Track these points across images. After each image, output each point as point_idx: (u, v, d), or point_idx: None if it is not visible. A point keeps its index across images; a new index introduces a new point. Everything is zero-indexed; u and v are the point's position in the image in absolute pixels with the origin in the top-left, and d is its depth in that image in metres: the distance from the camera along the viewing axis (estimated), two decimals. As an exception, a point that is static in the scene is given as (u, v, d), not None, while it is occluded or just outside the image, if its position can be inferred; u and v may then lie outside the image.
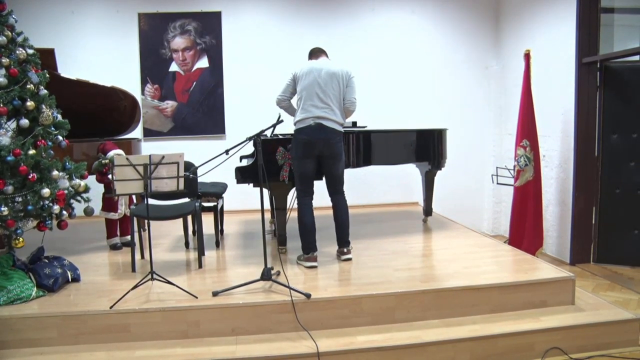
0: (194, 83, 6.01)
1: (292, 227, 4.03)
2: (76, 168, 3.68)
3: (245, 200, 5.66)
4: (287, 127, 4.23)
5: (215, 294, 3.17)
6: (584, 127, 4.88)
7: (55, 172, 3.46)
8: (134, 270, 3.73)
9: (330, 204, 3.92)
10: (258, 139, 3.32)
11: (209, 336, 3.02)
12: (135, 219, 4.00)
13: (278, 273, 3.48)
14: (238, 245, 4.46)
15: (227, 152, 3.33)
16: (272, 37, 6.06)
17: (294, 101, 3.87)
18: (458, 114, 6.35)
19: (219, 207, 4.56)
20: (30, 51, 3.51)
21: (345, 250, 3.91)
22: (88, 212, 3.74)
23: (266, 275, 3.29)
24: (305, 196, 3.78)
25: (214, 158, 3.30)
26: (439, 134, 4.89)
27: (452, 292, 3.25)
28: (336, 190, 3.87)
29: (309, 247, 3.77)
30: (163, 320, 3.01)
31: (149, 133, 5.99)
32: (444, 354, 2.94)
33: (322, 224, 5.09)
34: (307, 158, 3.72)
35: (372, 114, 5.92)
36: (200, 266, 3.82)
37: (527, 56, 4.95)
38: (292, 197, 4.13)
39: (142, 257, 4.05)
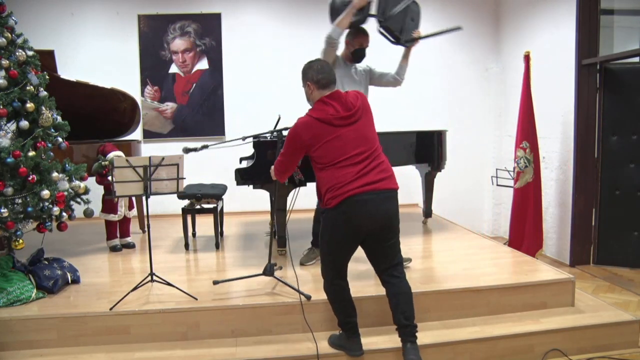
0: (194, 85, 6.01)
1: (292, 228, 4.03)
2: (76, 170, 3.68)
3: (245, 202, 5.67)
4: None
5: (215, 283, 3.27)
6: (584, 129, 4.88)
7: (55, 174, 3.45)
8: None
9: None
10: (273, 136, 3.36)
11: (208, 338, 3.02)
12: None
13: (280, 268, 3.47)
14: (238, 247, 4.46)
15: (243, 138, 3.42)
16: (272, 39, 6.06)
17: None
18: (458, 115, 6.35)
19: (219, 208, 4.55)
20: (30, 53, 3.51)
21: None
22: (88, 213, 3.73)
23: (269, 271, 3.29)
24: None
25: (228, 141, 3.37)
26: (439, 136, 4.88)
27: (451, 293, 3.25)
28: None
29: None
30: (163, 321, 3.01)
31: (148, 134, 5.99)
32: (443, 356, 2.94)
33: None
34: None
35: (372, 116, 5.93)
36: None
37: (527, 58, 4.95)
38: (291, 198, 4.12)
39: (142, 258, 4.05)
